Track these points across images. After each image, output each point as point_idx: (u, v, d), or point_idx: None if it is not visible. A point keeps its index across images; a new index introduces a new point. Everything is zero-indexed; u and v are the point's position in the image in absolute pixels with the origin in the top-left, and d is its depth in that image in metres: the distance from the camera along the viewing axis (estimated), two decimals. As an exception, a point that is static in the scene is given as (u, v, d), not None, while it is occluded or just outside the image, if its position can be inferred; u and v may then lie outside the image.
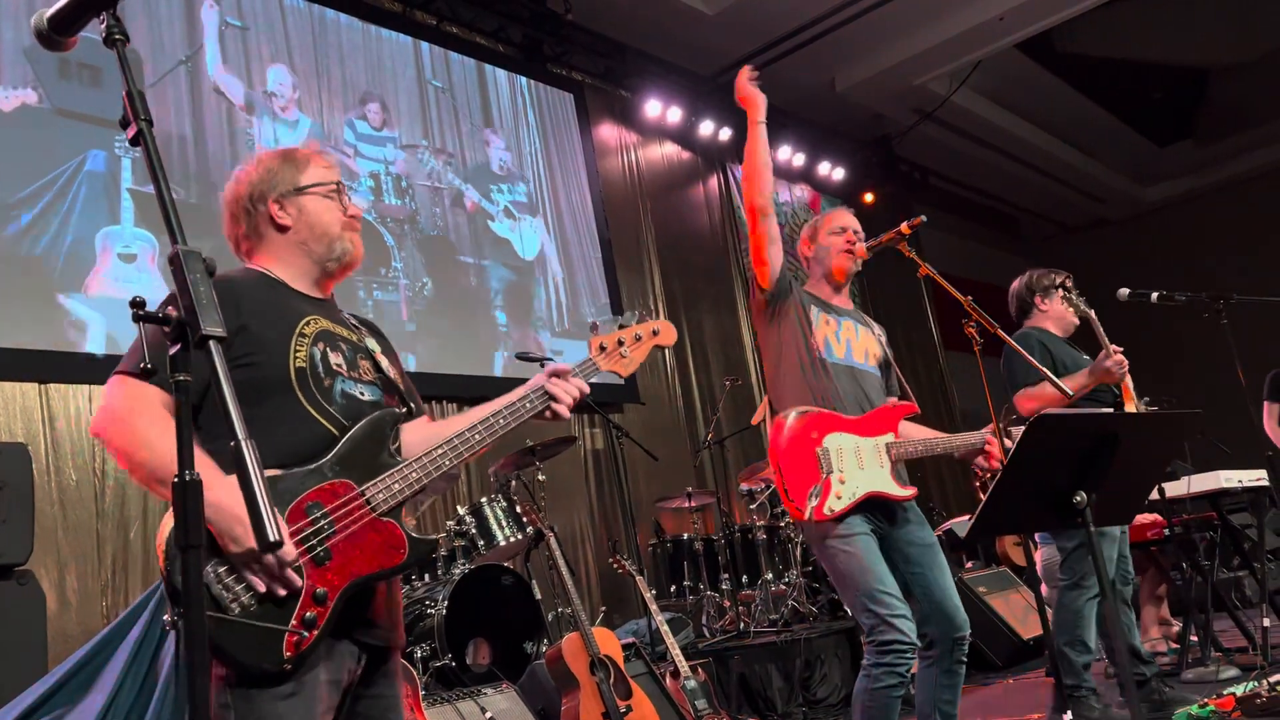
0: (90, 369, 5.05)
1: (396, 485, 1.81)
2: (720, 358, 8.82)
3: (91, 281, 5.28)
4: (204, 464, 1.67)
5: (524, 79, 8.08)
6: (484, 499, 4.62)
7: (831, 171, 10.56)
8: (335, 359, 1.91)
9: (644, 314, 2.18)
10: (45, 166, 5.22)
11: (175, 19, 6.02)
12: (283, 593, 1.65)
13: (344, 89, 6.81)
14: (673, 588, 6.29)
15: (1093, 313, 3.85)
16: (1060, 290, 4.17)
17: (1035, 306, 4.17)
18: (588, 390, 2.03)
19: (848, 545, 2.95)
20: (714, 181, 9.60)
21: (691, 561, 6.22)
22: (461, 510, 4.62)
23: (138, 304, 1.25)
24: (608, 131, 8.69)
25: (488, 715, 3.41)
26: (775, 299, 3.17)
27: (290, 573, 1.66)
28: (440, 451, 1.87)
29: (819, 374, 3.12)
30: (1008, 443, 3.11)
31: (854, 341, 3.22)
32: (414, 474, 1.84)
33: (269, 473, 1.71)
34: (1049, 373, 3.15)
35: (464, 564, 4.31)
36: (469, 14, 7.68)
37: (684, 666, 4.22)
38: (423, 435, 1.98)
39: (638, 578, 4.46)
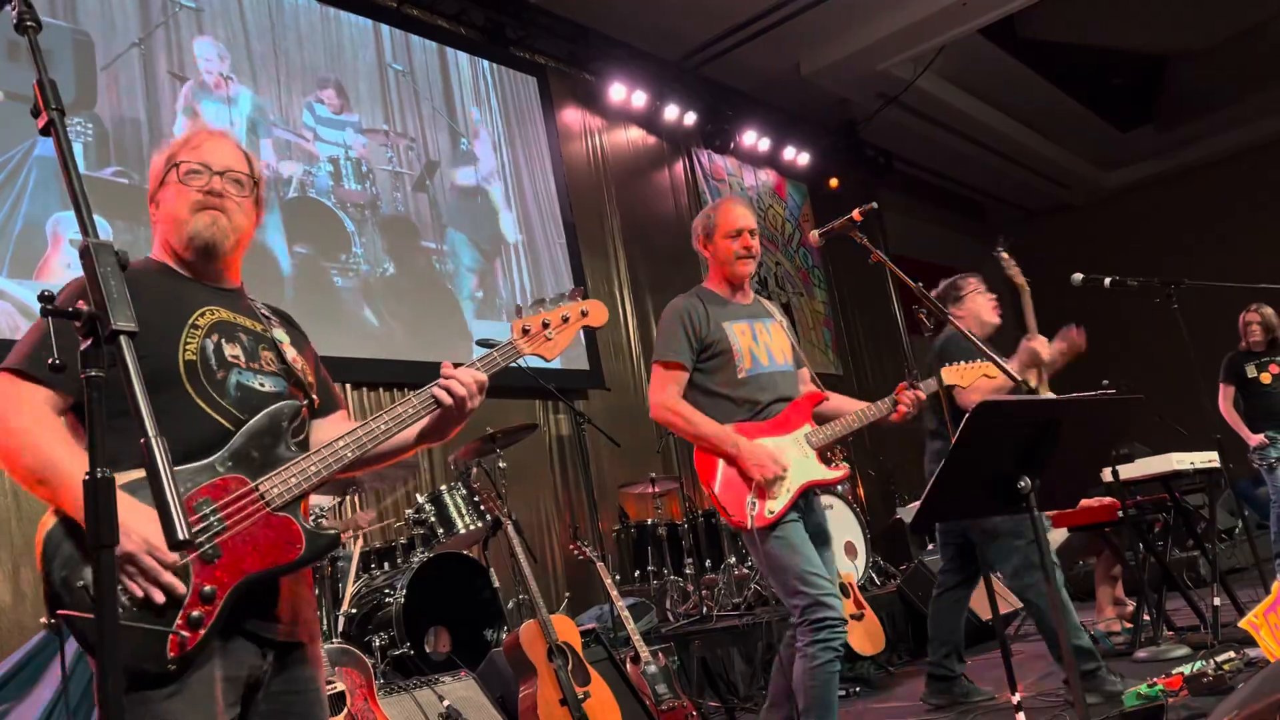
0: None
1: (294, 479, 1.76)
2: (685, 343, 8.80)
3: (43, 268, 5.19)
4: (75, 460, 1.62)
5: (486, 62, 8.01)
6: (443, 487, 4.60)
7: (797, 156, 10.57)
8: (232, 350, 1.85)
9: (574, 294, 2.14)
10: (-6, 149, 5.13)
11: (128, 1, 5.92)
12: (160, 598, 1.59)
13: (303, 72, 6.72)
14: (637, 573, 6.31)
15: (1027, 286, 3.90)
16: (968, 293, 4.27)
17: (951, 314, 4.23)
18: (484, 380, 1.96)
19: (781, 533, 3.07)
20: (679, 166, 9.58)
21: (655, 546, 6.23)
22: (421, 498, 4.60)
23: (46, 298, 1.22)
24: (572, 115, 8.64)
25: (445, 704, 3.40)
26: (702, 367, 3.23)
27: (170, 577, 1.60)
28: (342, 444, 1.82)
29: (747, 389, 3.20)
30: (919, 392, 3.24)
31: (771, 344, 3.31)
32: (312, 467, 1.79)
33: None
34: (993, 354, 3.19)
35: (423, 552, 4.30)
36: (429, -4, 7.61)
37: (644, 652, 4.23)
38: (339, 429, 1.93)
39: (598, 564, 4.46)
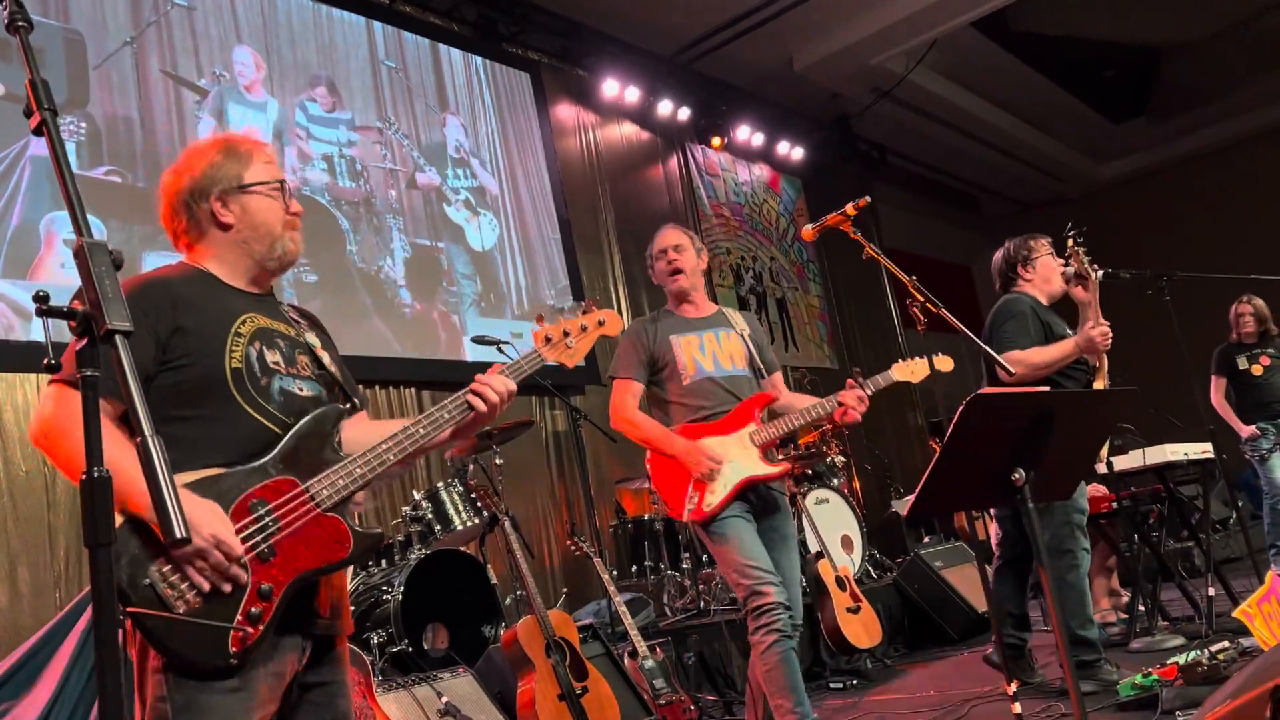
0: (37, 356, 4.97)
1: (341, 481, 1.83)
2: (681, 338, 8.81)
3: (37, 268, 5.19)
4: (138, 463, 1.65)
5: (479, 58, 8.01)
6: (440, 484, 4.61)
7: (790, 151, 10.57)
8: (272, 357, 1.91)
9: (590, 304, 2.23)
10: (-14, 150, 5.12)
11: (120, 0, 5.91)
12: (228, 589, 1.66)
13: (295, 70, 6.71)
14: (634, 568, 6.31)
15: (1097, 274, 3.88)
16: (1040, 257, 4.24)
17: (1020, 276, 4.25)
18: (514, 388, 2.06)
19: (722, 528, 3.27)
20: (674, 162, 9.58)
21: (652, 541, 6.24)
22: (418, 495, 4.60)
23: (41, 298, 1.23)
24: (565, 111, 8.64)
25: (444, 700, 3.41)
26: (655, 379, 3.51)
27: (236, 569, 1.67)
28: (385, 446, 1.90)
29: (691, 394, 3.44)
30: (869, 388, 3.34)
31: (719, 352, 3.52)
32: (358, 469, 1.86)
33: (211, 472, 1.74)
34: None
35: (421, 549, 4.30)
36: (421, -8, 7.60)
37: (642, 647, 4.24)
38: (363, 431, 2.00)
39: (595, 559, 4.47)
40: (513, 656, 3.61)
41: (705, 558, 6.43)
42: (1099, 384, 3.91)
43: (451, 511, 4.47)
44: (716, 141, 9.75)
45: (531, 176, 8.11)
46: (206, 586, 1.65)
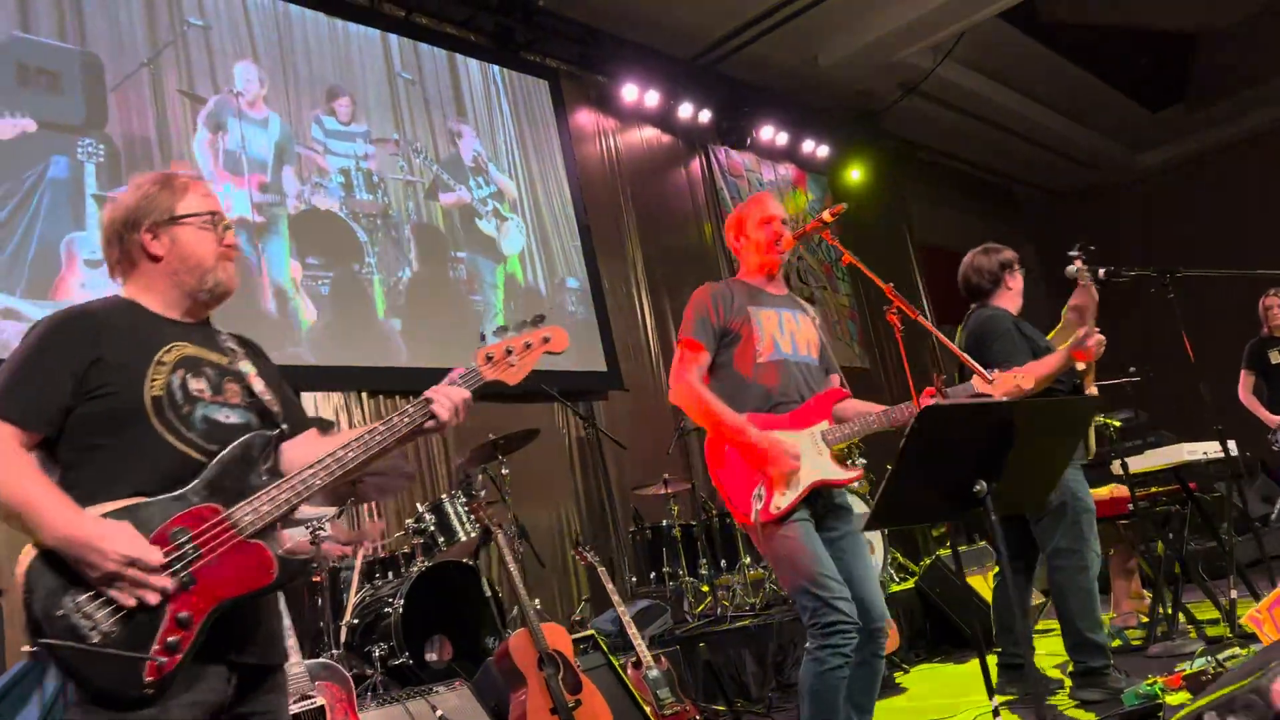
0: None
1: (265, 507, 1.83)
2: (705, 341, 8.78)
3: (59, 287, 5.30)
4: (50, 495, 1.69)
5: (496, 68, 8.04)
6: (444, 495, 4.63)
7: (816, 148, 10.50)
8: (196, 385, 1.91)
9: (536, 320, 2.20)
10: (6, 175, 5.24)
11: (136, 22, 6.02)
12: (153, 600, 1.67)
13: (310, 85, 6.79)
14: (653, 574, 6.30)
15: (1096, 295, 3.82)
16: (1019, 268, 4.16)
17: (1004, 284, 4.12)
18: (468, 396, 2.06)
19: (789, 531, 2.97)
20: (696, 164, 9.54)
21: (670, 548, 6.22)
22: (421, 507, 4.63)
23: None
24: (585, 117, 8.65)
25: (438, 714, 3.43)
26: (722, 349, 3.18)
27: (158, 578, 1.68)
28: (310, 472, 1.89)
29: (765, 375, 3.14)
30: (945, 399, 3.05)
31: (797, 333, 3.25)
32: (283, 495, 1.86)
33: (131, 501, 1.74)
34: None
35: (424, 561, 4.33)
36: (437, 4, 7.64)
37: (646, 657, 4.23)
38: (309, 450, 2.00)
39: (600, 569, 4.47)
40: (504, 670, 3.61)
41: (724, 563, 6.41)
42: (1090, 389, 3.83)
43: (455, 523, 4.48)
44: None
45: (551, 183, 8.13)
46: (131, 603, 1.66)
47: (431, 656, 4.33)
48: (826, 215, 3.12)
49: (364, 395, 6.36)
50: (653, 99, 8.81)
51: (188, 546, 1.75)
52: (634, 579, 6.43)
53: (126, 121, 5.83)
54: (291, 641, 2.94)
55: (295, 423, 2.08)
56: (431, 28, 7.67)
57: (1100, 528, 5.01)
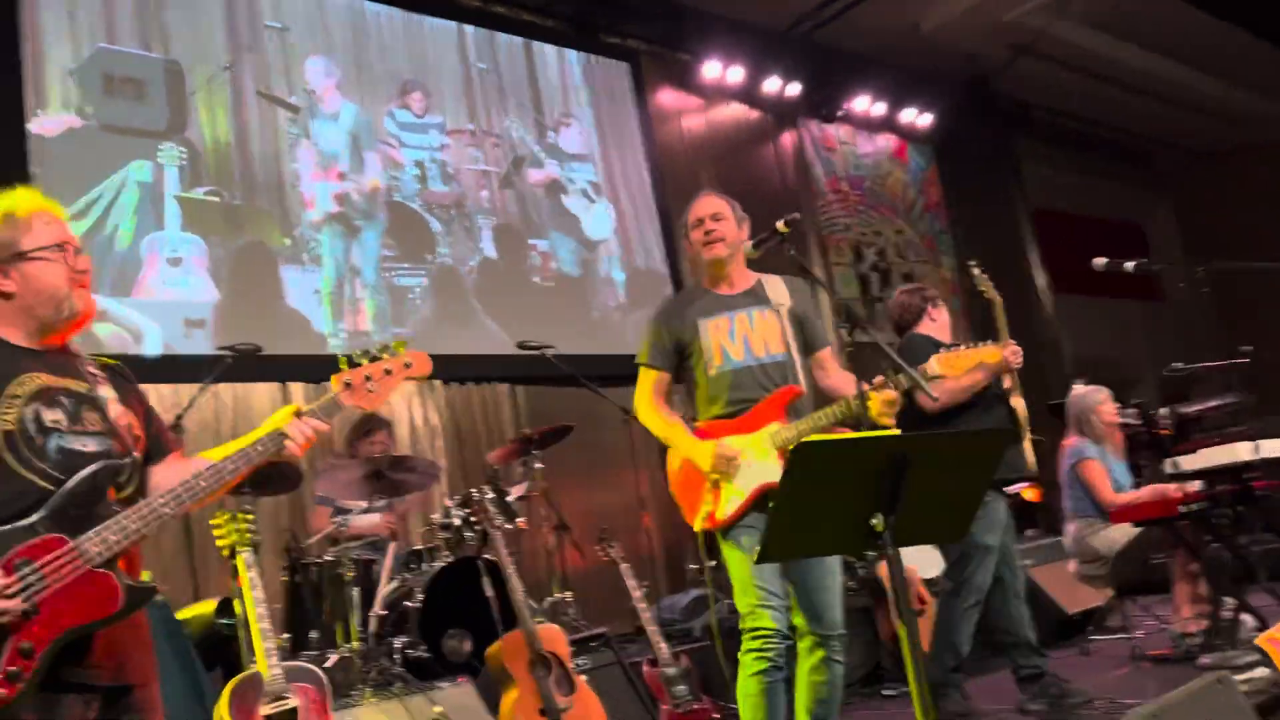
0: (142, 371, 5.44)
1: (112, 537, 1.88)
2: (797, 321, 8.65)
3: (140, 285, 5.65)
4: None
5: (573, 53, 8.06)
6: (473, 490, 4.74)
7: (918, 117, 10.12)
8: (51, 415, 1.95)
9: (398, 344, 2.22)
10: (93, 180, 5.61)
11: (216, 28, 6.32)
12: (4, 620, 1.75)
13: (385, 80, 6.98)
14: (714, 563, 6.29)
15: (999, 299, 4.06)
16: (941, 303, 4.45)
17: (927, 315, 4.38)
18: (325, 428, 2.10)
19: (731, 538, 3.06)
20: (786, 139, 9.33)
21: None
22: (449, 502, 4.76)
23: None
24: (666, 97, 8.56)
25: (436, 709, 3.56)
26: (684, 362, 3.25)
27: (3, 602, 1.75)
28: (161, 501, 1.95)
29: (718, 386, 3.17)
30: (890, 392, 2.99)
31: (750, 335, 3.22)
32: (132, 524, 1.90)
33: None
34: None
35: (448, 556, 4.46)
36: (515, -8, 7.70)
37: (663, 654, 4.27)
38: (175, 472, 2.06)
39: (622, 564, 4.53)
40: (494, 671, 3.71)
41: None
42: (1016, 401, 3.96)
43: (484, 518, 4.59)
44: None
45: (629, 167, 8.12)
46: None
47: (466, 646, 4.42)
48: (780, 225, 3.06)
49: (438, 384, 6.55)
50: (736, 74, 8.64)
51: (32, 577, 1.79)
52: (693, 566, 6.44)
53: (208, 124, 6.15)
54: (271, 644, 3.10)
55: (156, 447, 2.13)
56: (508, 16, 7.73)
57: (1158, 530, 4.77)
